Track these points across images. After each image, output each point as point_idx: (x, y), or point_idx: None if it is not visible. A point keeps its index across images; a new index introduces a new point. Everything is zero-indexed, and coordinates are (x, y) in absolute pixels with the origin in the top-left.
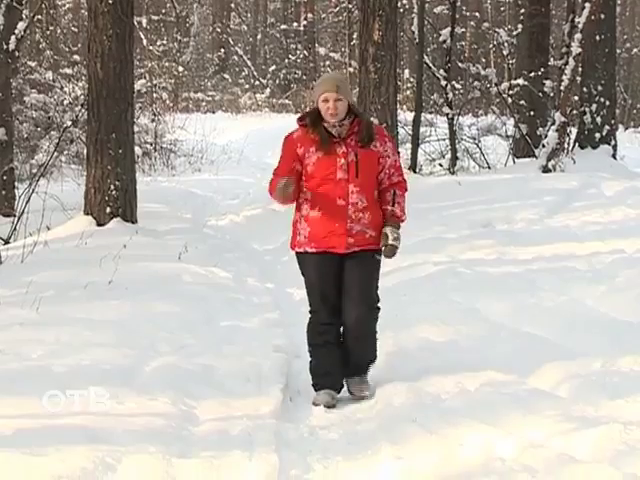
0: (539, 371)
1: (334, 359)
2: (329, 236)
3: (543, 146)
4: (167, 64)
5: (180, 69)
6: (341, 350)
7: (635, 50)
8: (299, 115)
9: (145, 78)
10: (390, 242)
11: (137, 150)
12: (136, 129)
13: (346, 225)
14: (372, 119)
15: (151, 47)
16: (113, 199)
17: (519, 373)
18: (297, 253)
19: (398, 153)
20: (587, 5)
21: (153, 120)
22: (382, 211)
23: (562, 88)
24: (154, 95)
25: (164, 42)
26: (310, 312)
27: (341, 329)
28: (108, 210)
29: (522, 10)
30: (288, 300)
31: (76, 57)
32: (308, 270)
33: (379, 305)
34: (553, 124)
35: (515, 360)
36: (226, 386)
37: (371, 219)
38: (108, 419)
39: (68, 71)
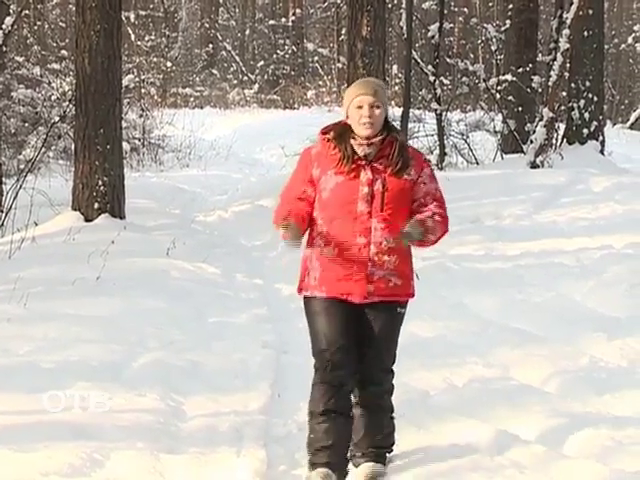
0: (527, 367)
1: (339, 432)
2: (344, 280)
3: (531, 142)
4: (155, 59)
5: (168, 64)
6: (349, 423)
7: (623, 46)
8: (324, 126)
9: (133, 73)
10: (407, 229)
11: (125, 146)
12: (124, 124)
13: (367, 269)
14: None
15: (139, 42)
16: (101, 195)
17: (507, 369)
18: (305, 298)
19: (436, 180)
20: (575, 1)
21: (141, 115)
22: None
23: (550, 84)
24: (142, 90)
25: (152, 37)
26: (315, 371)
27: (352, 397)
28: (96, 206)
29: (510, 5)
30: (276, 296)
31: (64, 52)
32: (315, 318)
33: (394, 368)
34: (541, 120)
35: (503, 356)
36: (214, 382)
37: (397, 264)
38: (96, 415)
39: (56, 66)
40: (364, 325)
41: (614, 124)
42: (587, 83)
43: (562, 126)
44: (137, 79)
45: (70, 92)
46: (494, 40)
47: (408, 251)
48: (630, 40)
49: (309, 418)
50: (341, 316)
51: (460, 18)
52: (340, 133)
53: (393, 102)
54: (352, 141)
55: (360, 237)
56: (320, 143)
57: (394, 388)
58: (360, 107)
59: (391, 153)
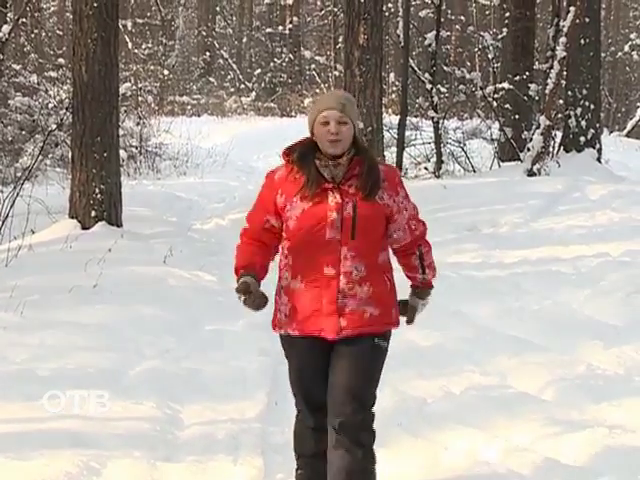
0: (524, 374)
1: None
2: (315, 316)
3: (528, 150)
4: (152, 67)
5: (165, 72)
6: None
7: (620, 54)
8: (286, 146)
9: (130, 81)
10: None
11: (122, 153)
12: (121, 132)
13: (336, 302)
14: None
15: (136, 50)
16: (98, 202)
17: (504, 377)
18: (280, 336)
19: (409, 197)
20: (572, 9)
21: (138, 123)
22: (409, 279)
23: (547, 92)
24: (139, 98)
25: (149, 45)
26: (297, 411)
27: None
28: (93, 214)
29: (507, 14)
30: (273, 304)
31: (61, 60)
32: (290, 359)
33: (373, 410)
34: (538, 127)
35: (500, 364)
36: (211, 390)
37: (371, 292)
38: (93, 423)
39: (53, 74)
40: (335, 360)
41: (611, 132)
42: (584, 91)
43: (559, 134)
44: (134, 87)
45: (67, 100)
46: (491, 48)
47: (386, 277)
48: (627, 48)
49: (295, 456)
50: (314, 360)
51: (457, 26)
52: (303, 154)
53: (390, 110)
54: (317, 162)
55: (328, 267)
56: (284, 166)
57: (374, 435)
58: (326, 123)
59: (361, 172)
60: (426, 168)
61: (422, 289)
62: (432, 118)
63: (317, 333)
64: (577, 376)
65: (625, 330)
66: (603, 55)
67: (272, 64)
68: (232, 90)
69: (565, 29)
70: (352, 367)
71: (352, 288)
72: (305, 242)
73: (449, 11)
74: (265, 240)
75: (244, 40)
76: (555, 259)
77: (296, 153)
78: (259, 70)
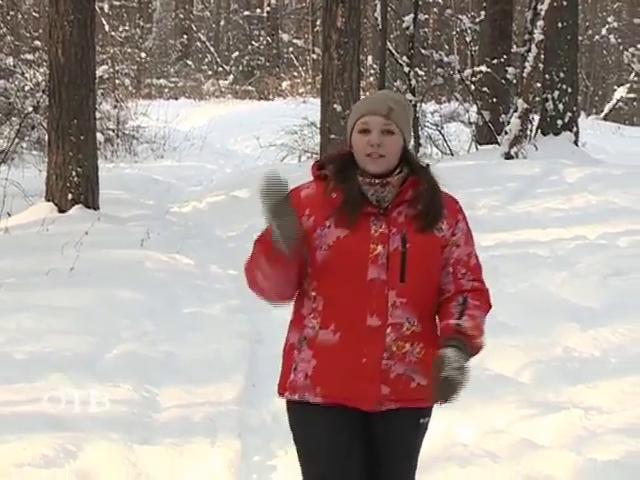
0: (501, 357)
1: None
2: (350, 380)
3: (506, 133)
4: (129, 50)
5: (142, 55)
6: None
7: (597, 37)
8: (316, 160)
9: (107, 64)
10: (447, 373)
11: (99, 136)
12: (98, 115)
13: (380, 363)
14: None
15: (113, 33)
16: (75, 185)
17: (481, 359)
18: (289, 402)
19: (472, 240)
20: None
21: (115, 106)
22: (441, 328)
23: (524, 75)
24: (116, 81)
25: (126, 28)
26: None
27: None
28: (70, 197)
29: None
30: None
31: (37, 43)
32: (309, 434)
33: None
34: (515, 111)
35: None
36: (188, 373)
37: (422, 355)
38: (70, 406)
39: (29, 57)
40: (375, 441)
41: (588, 115)
42: (561, 74)
43: (536, 117)
44: (111, 70)
45: (44, 83)
46: (469, 31)
47: (436, 330)
48: (604, 32)
49: None
50: (346, 433)
51: (435, 9)
52: (342, 167)
53: (368, 93)
54: (359, 179)
55: (372, 317)
56: (314, 182)
57: None
58: (366, 131)
59: (416, 198)
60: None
61: (452, 335)
62: (410, 101)
63: (349, 402)
64: (553, 358)
65: (601, 312)
66: (580, 38)
67: (250, 47)
68: (210, 73)
69: (543, 12)
70: (398, 458)
71: (401, 346)
72: (340, 282)
73: None
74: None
75: (222, 23)
76: (532, 242)
77: (332, 166)
78: (237, 53)
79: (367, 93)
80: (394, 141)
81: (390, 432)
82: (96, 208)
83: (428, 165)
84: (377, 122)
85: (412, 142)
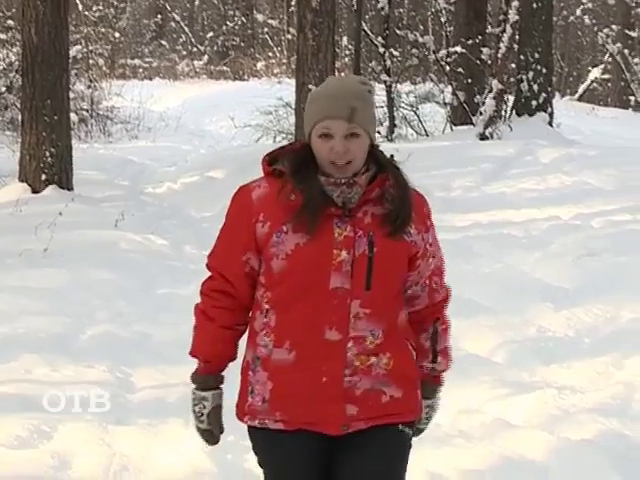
0: (475, 337)
1: None
2: (311, 403)
3: (480, 113)
4: (103, 30)
5: (116, 35)
6: None
7: (572, 18)
8: (267, 153)
9: (81, 44)
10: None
11: (73, 117)
12: (72, 95)
13: (342, 380)
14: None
15: (87, 12)
16: (48, 166)
17: (455, 339)
18: (250, 428)
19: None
20: None
21: (89, 87)
22: (417, 357)
23: (499, 56)
24: (90, 61)
25: (100, 7)
26: None
27: None
28: (43, 177)
29: None
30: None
31: (10, 22)
32: (271, 462)
33: None
34: (490, 91)
35: (451, 326)
36: (163, 353)
37: (392, 366)
38: (44, 387)
39: (2, 36)
40: (347, 468)
41: (563, 96)
42: (536, 55)
43: (511, 98)
44: (85, 50)
45: (17, 62)
46: (444, 12)
47: (409, 343)
48: (578, 12)
49: None
50: (312, 461)
51: None
52: (299, 165)
53: (343, 74)
54: (322, 178)
55: (331, 331)
56: (265, 179)
57: None
58: (327, 136)
59: (383, 196)
60: (379, 132)
61: (429, 384)
62: (385, 82)
63: (312, 426)
64: (527, 338)
65: (575, 292)
66: (555, 19)
67: (224, 27)
68: (184, 53)
69: None
70: (370, 472)
71: (366, 360)
72: (298, 293)
73: None
74: (244, 297)
75: (196, 3)
76: (507, 222)
77: (288, 162)
78: (211, 33)
79: (342, 74)
80: (360, 144)
81: (363, 452)
82: (70, 189)
83: (393, 159)
84: (339, 127)
85: (387, 124)
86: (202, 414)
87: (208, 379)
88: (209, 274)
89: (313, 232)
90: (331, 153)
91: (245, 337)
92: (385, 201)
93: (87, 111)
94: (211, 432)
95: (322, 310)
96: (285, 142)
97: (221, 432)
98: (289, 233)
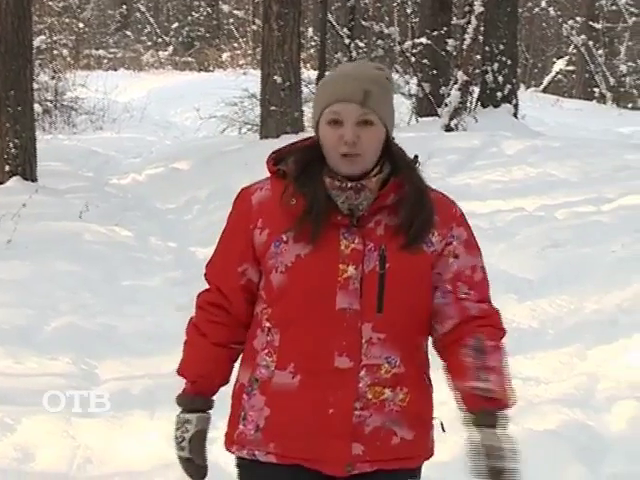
0: None
1: None
2: (313, 436)
3: (446, 105)
4: (67, 20)
5: (81, 25)
6: None
7: (536, 9)
8: (274, 150)
9: (45, 34)
10: (492, 464)
11: (37, 107)
12: (36, 86)
13: (351, 414)
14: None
15: (51, 3)
16: (12, 157)
17: None
18: (238, 459)
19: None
20: None
21: (53, 77)
22: (455, 386)
23: (464, 47)
24: (54, 52)
25: None
26: None
27: None
28: (7, 168)
29: None
30: (190, 259)
31: None
32: None
33: None
34: (456, 83)
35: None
36: (127, 345)
37: (408, 402)
38: (7, 379)
39: None
40: None
41: (527, 87)
42: (501, 46)
43: (476, 89)
44: (49, 40)
45: None
46: (409, 3)
47: (427, 377)
48: (543, 4)
49: None
50: None
51: None
52: (305, 164)
53: (309, 65)
54: (327, 181)
55: (341, 357)
56: (270, 180)
57: None
58: (337, 122)
59: (399, 204)
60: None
61: (479, 408)
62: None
63: (310, 464)
64: None
65: (539, 284)
66: (520, 11)
67: (190, 18)
68: (149, 44)
69: None
70: None
71: (379, 393)
72: (302, 312)
73: None
74: (240, 313)
75: None
76: (472, 214)
77: (293, 162)
78: (176, 24)
79: (308, 65)
80: (374, 134)
81: None
82: (34, 180)
83: (416, 160)
84: (351, 112)
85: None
86: (183, 439)
87: (195, 401)
88: (207, 286)
89: (316, 242)
90: (340, 143)
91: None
92: (402, 209)
93: (51, 102)
94: (192, 462)
95: (331, 333)
96: (250, 134)
97: (204, 464)
98: (289, 243)
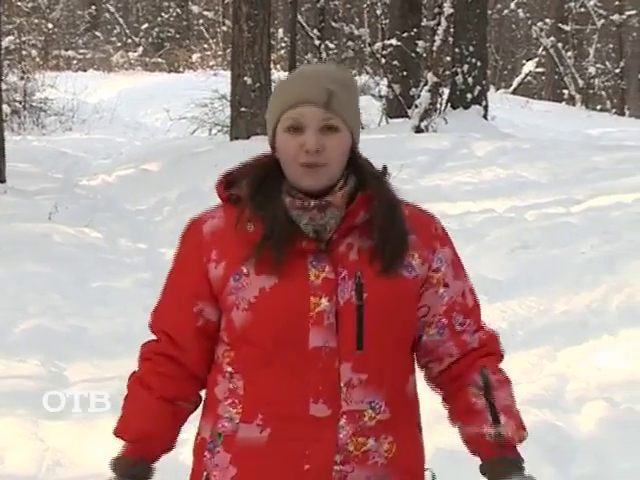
0: None
1: None
2: None
3: (416, 106)
4: (36, 21)
5: (50, 26)
6: None
7: (506, 11)
8: (224, 172)
9: (13, 35)
10: None
11: (5, 108)
12: (4, 87)
13: (331, 470)
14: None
15: (19, 3)
16: None
17: None
18: None
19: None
20: None
21: (22, 78)
22: (468, 440)
23: (434, 48)
24: (23, 52)
25: None
26: None
27: None
28: None
29: None
30: (160, 260)
31: None
32: None
33: None
34: (426, 84)
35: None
36: (97, 347)
37: (394, 453)
38: None
39: None
40: None
41: (497, 89)
42: (471, 48)
43: (446, 91)
44: (18, 40)
45: None
46: (379, 4)
47: (417, 421)
48: (513, 6)
49: None
50: None
51: None
52: (260, 184)
53: (279, 66)
54: (287, 200)
55: (317, 404)
56: (222, 208)
57: None
58: (296, 129)
59: (371, 222)
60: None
61: (502, 457)
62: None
63: None
64: None
65: (509, 285)
66: (490, 12)
67: (159, 19)
68: (119, 45)
69: None
70: None
71: (362, 444)
72: (271, 354)
73: None
74: (194, 362)
75: None
76: (442, 215)
77: (247, 184)
78: (146, 25)
79: (278, 66)
80: (339, 141)
81: None
82: (2, 181)
83: (385, 171)
84: (313, 116)
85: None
86: None
87: (136, 466)
88: (152, 337)
89: (280, 272)
90: (300, 152)
91: (197, 412)
92: (374, 229)
93: (20, 102)
94: None
95: (304, 377)
96: (220, 135)
97: None
98: (250, 275)
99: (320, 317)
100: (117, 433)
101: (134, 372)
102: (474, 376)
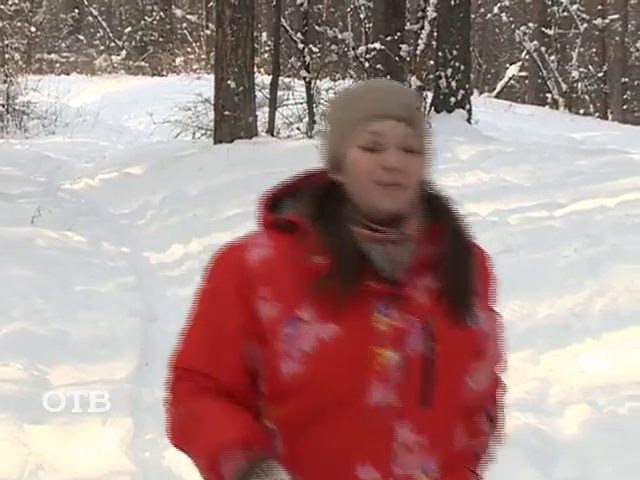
0: None
1: None
2: None
3: None
4: (19, 24)
5: (33, 29)
6: None
7: (489, 15)
8: (267, 192)
9: None
10: None
11: None
12: None
13: None
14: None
15: (2, 6)
16: None
17: None
18: None
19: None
20: None
21: (5, 81)
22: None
23: (418, 52)
24: (6, 56)
25: (15, 1)
26: None
27: None
28: None
29: None
30: (144, 264)
31: None
32: None
33: None
34: (409, 88)
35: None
36: (80, 351)
37: None
38: None
39: None
40: None
41: (481, 93)
42: (454, 52)
43: (430, 94)
44: (0, 44)
45: None
46: (363, 8)
47: (465, 458)
48: (496, 10)
49: None
50: None
51: None
52: (317, 207)
53: (262, 69)
54: (355, 229)
55: (364, 467)
56: (266, 234)
57: None
58: (373, 150)
59: (441, 264)
60: (298, 128)
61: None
62: (304, 78)
63: None
64: None
65: None
66: (473, 16)
67: (143, 22)
68: (102, 48)
69: None
70: None
71: None
72: (320, 412)
73: None
74: (247, 399)
75: None
76: None
77: (305, 204)
78: (129, 28)
79: (261, 69)
80: (419, 165)
81: None
82: None
83: (450, 201)
84: (396, 132)
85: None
86: None
87: (261, 453)
88: (175, 379)
89: (341, 317)
90: (377, 168)
91: None
92: (447, 269)
93: (3, 106)
94: None
95: (353, 435)
96: (204, 139)
97: None
98: (308, 321)
99: (385, 371)
100: (214, 451)
101: (167, 407)
102: (486, 406)
